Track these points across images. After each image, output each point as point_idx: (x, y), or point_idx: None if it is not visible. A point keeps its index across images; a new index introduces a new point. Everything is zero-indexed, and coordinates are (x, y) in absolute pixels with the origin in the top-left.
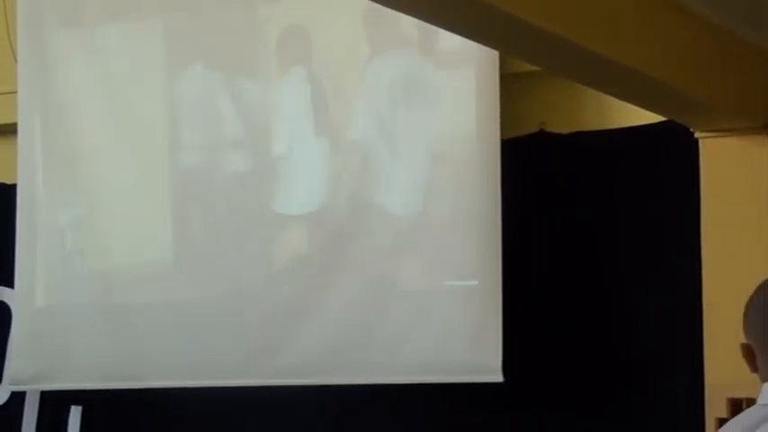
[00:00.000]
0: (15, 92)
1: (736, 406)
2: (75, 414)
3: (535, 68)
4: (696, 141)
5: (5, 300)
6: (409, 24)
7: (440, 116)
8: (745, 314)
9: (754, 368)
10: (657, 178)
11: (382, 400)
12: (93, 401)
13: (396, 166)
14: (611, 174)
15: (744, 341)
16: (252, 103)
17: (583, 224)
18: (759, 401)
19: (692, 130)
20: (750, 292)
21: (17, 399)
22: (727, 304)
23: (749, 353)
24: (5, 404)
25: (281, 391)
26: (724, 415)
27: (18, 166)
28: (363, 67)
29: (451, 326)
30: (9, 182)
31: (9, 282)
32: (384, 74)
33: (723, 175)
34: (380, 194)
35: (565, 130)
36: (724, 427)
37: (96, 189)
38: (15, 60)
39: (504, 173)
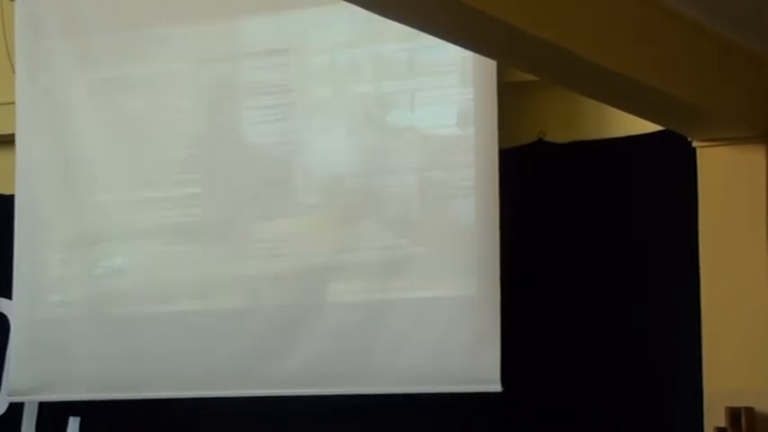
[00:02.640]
0: (13, 102)
1: (735, 415)
2: (73, 425)
3: (533, 78)
4: (694, 150)
5: (4, 311)
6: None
7: (438, 125)
8: None
9: None
10: (656, 187)
11: (381, 409)
12: (92, 412)
13: (394, 175)
14: (610, 183)
15: None
16: (255, 111)
17: (581, 233)
18: None
19: (689, 139)
20: (748, 301)
21: (16, 410)
22: (725, 313)
23: None
24: (4, 415)
25: (281, 402)
26: (722, 424)
27: (16, 177)
28: (362, 74)
29: (450, 336)
30: (7, 192)
31: (7, 293)
32: (383, 82)
33: (721, 183)
34: (379, 204)
35: (563, 140)
36: None
37: (95, 198)
38: (13, 71)
39: (502, 182)
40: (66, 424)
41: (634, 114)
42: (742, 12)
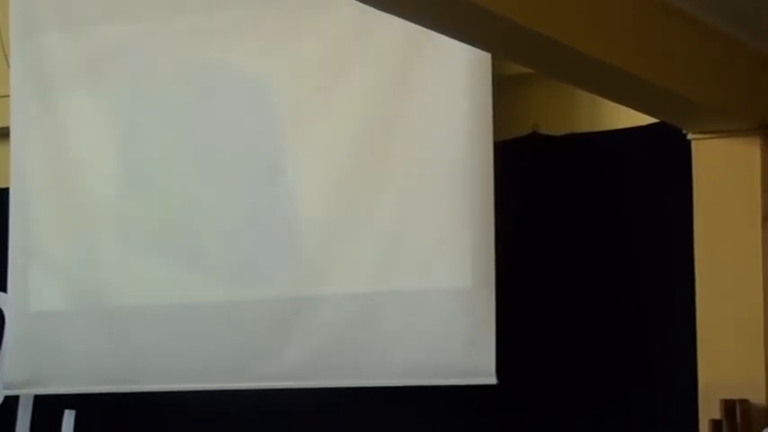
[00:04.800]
0: (8, 96)
1: (730, 407)
2: (68, 418)
3: (528, 70)
4: (689, 143)
5: None
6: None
7: (432, 118)
8: None
9: None
10: (650, 180)
11: (376, 402)
12: (87, 405)
13: (389, 168)
14: (604, 175)
15: None
16: (251, 107)
17: (576, 226)
18: None
19: (684, 131)
20: (743, 293)
21: (11, 403)
22: (720, 306)
23: None
24: None
25: (277, 395)
26: (717, 416)
27: (11, 170)
28: (355, 67)
29: (445, 328)
30: (1, 186)
31: (2, 286)
32: (376, 75)
33: (715, 176)
34: (373, 196)
35: (558, 132)
36: None
37: (89, 192)
38: (8, 64)
39: (497, 175)
40: (61, 417)
41: (629, 107)
42: (739, 7)
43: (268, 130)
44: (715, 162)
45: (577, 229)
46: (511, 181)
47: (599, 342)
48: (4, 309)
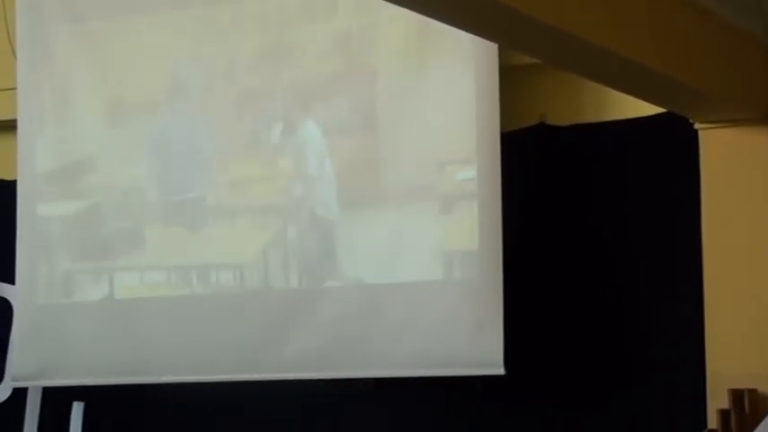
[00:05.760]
0: (15, 88)
1: (738, 397)
2: (77, 410)
3: (535, 61)
4: (696, 132)
5: (7, 296)
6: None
7: (440, 109)
8: None
9: None
10: (658, 169)
11: (384, 393)
12: (96, 397)
13: (396, 160)
14: (611, 166)
15: None
16: (253, 100)
17: (583, 216)
18: None
19: (691, 121)
20: (750, 283)
21: (19, 395)
22: (728, 295)
23: None
24: (8, 400)
25: (283, 386)
26: (725, 406)
27: (18, 163)
28: (363, 59)
29: (453, 319)
30: (9, 178)
31: (10, 278)
32: (384, 66)
33: (723, 165)
34: (380, 188)
35: (565, 123)
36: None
37: (96, 184)
38: (15, 56)
39: (504, 165)
40: (69, 409)
41: (636, 97)
42: None
43: (272, 123)
44: (722, 151)
45: (584, 219)
46: (518, 171)
47: (606, 333)
48: (12, 301)
